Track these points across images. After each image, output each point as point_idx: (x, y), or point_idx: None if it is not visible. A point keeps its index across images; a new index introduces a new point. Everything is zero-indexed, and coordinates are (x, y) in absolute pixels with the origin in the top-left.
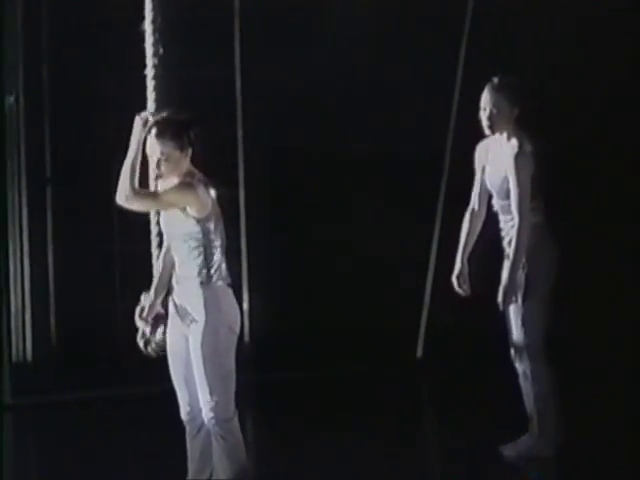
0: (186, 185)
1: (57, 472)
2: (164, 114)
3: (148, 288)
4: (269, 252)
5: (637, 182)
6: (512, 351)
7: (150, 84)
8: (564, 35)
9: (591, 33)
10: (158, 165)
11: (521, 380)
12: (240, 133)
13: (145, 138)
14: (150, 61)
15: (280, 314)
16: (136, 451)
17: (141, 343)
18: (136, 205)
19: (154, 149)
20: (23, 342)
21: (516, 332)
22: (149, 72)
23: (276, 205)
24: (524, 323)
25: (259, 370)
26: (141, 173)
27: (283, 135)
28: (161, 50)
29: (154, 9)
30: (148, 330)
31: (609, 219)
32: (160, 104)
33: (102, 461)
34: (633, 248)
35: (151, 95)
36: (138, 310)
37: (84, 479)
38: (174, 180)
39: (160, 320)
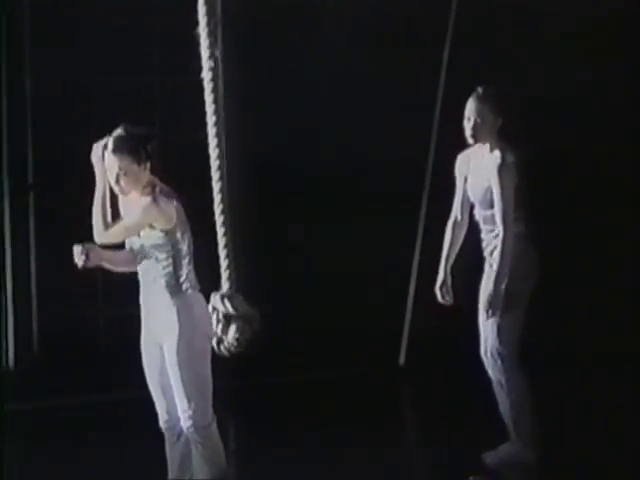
0: (148, 204)
1: (37, 478)
2: (119, 129)
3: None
4: (252, 258)
5: (619, 187)
6: (486, 360)
7: (208, 86)
8: (548, 45)
9: (578, 40)
10: (117, 180)
11: (496, 389)
12: (223, 137)
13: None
14: (206, 64)
15: (262, 320)
16: (119, 457)
17: (214, 343)
18: (110, 239)
19: (112, 165)
20: (5, 348)
21: (492, 340)
22: (206, 75)
23: (260, 211)
24: (500, 331)
25: (240, 376)
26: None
27: (268, 139)
28: (217, 52)
29: (208, 12)
30: (220, 329)
31: (589, 224)
32: (218, 107)
33: (85, 467)
34: (609, 251)
35: (209, 97)
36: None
37: None
38: (135, 195)
39: (232, 319)
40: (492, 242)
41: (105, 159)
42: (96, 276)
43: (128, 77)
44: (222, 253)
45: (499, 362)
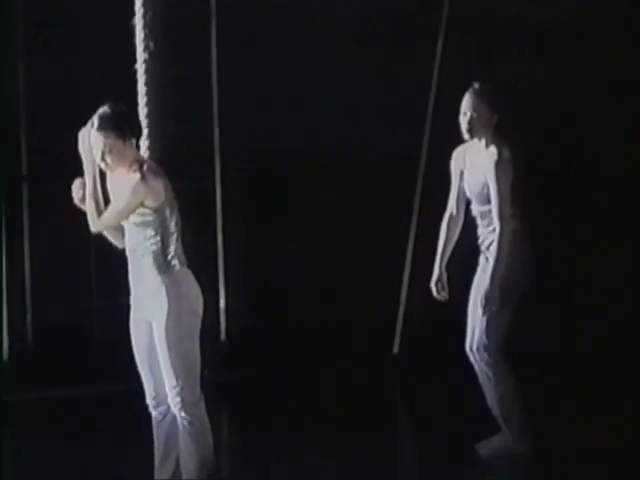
0: (136, 183)
1: (33, 469)
2: (104, 107)
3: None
4: (246, 250)
5: (617, 184)
6: (471, 355)
7: (141, 79)
8: (544, 40)
9: (573, 36)
10: (103, 157)
11: (483, 383)
12: (216, 130)
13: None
14: (141, 57)
15: (256, 312)
16: (114, 447)
17: None
18: (106, 225)
19: (97, 142)
20: None
21: (478, 334)
22: (139, 67)
23: (253, 203)
24: (489, 326)
25: (235, 368)
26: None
27: (261, 132)
28: (152, 45)
29: (145, 4)
30: None
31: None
32: (150, 99)
33: (79, 458)
34: (604, 250)
35: (142, 89)
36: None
37: (61, 476)
38: (122, 172)
39: None
40: (489, 237)
41: (91, 139)
42: (90, 268)
43: (121, 69)
44: None
45: (485, 356)
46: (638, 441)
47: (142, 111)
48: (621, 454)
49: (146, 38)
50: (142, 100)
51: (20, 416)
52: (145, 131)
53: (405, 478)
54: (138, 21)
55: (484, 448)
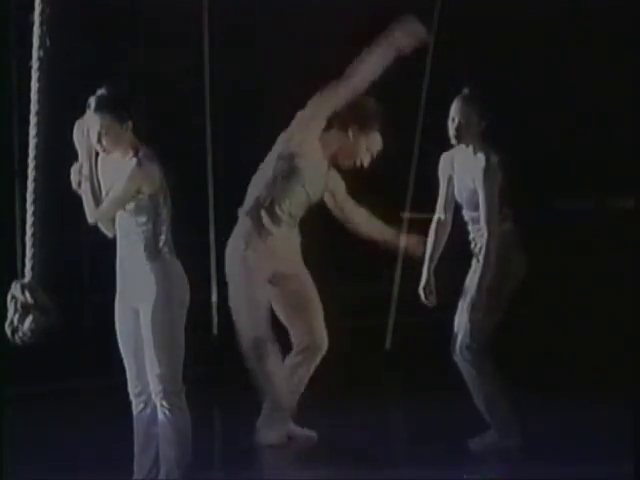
0: (132, 169)
1: (24, 463)
2: (102, 89)
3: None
4: None
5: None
6: (455, 356)
7: (34, 75)
8: (533, 45)
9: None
10: (99, 139)
11: (468, 381)
12: (208, 124)
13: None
14: (35, 53)
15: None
16: (105, 441)
17: (9, 331)
18: (104, 215)
19: (94, 123)
20: None
21: (462, 333)
22: (34, 64)
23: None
24: (474, 327)
25: (226, 361)
26: None
27: (255, 128)
28: (48, 42)
29: (43, 1)
30: (16, 318)
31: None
32: (43, 97)
33: (70, 452)
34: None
35: (34, 86)
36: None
37: (51, 471)
38: (117, 156)
39: (30, 309)
40: (481, 240)
41: (88, 120)
42: (82, 263)
43: (114, 62)
44: (28, 242)
45: (467, 355)
46: (626, 434)
47: (33, 107)
48: (612, 448)
49: (43, 35)
50: (34, 97)
51: (9, 410)
52: (35, 130)
53: (396, 474)
54: (36, 17)
55: (475, 444)
